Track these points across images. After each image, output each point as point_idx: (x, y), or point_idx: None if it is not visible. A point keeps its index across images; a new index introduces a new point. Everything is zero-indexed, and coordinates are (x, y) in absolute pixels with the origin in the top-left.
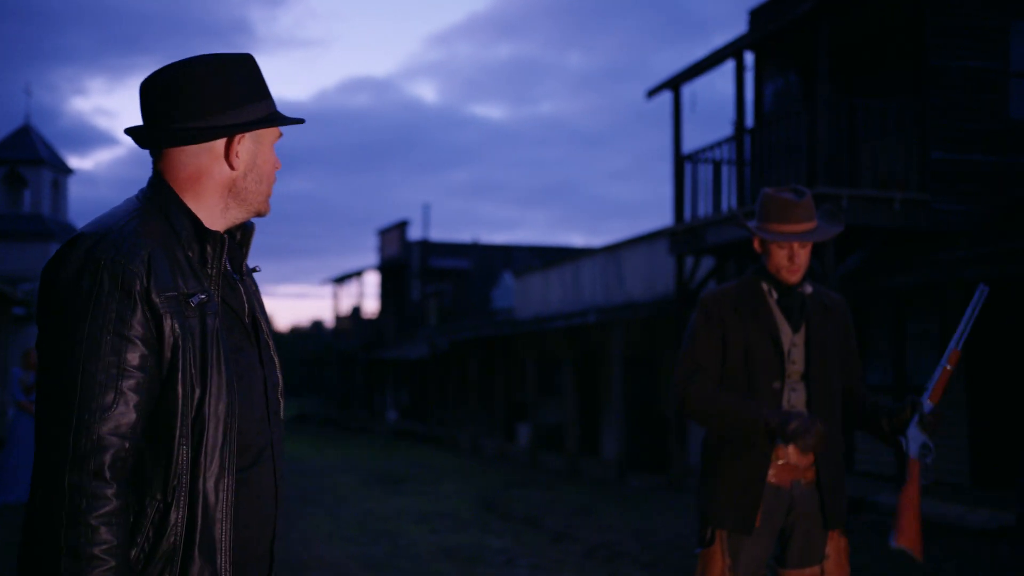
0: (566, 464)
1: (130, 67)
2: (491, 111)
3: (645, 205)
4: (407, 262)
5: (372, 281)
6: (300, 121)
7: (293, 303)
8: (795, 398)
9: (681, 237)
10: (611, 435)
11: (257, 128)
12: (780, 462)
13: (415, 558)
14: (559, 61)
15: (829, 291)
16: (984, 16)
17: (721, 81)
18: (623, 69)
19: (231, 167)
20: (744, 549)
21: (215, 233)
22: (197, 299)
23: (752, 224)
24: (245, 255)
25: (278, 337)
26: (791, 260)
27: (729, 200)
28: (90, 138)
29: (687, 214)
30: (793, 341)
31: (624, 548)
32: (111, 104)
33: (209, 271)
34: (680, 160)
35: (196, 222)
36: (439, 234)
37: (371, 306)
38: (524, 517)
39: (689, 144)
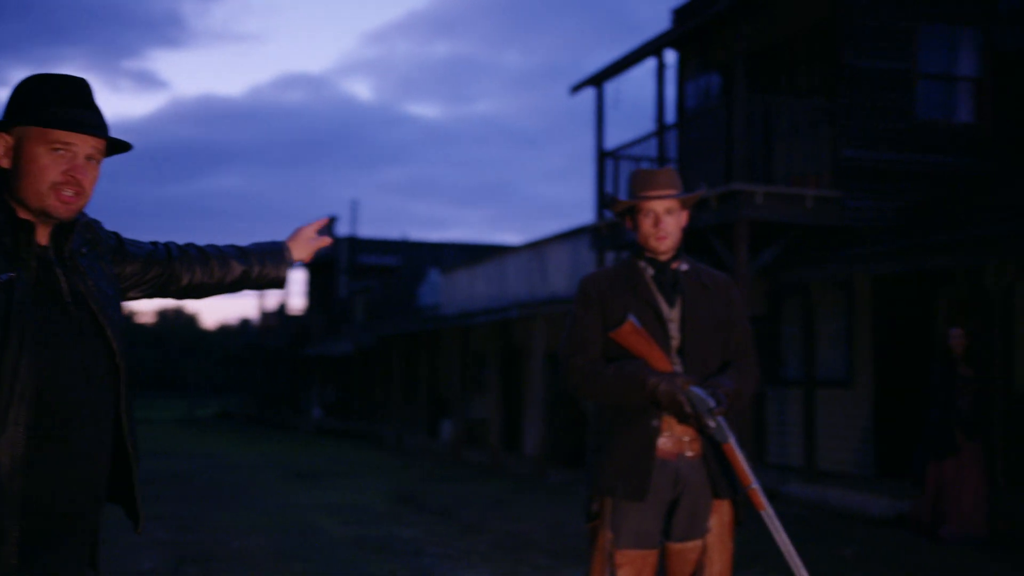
0: (488, 459)
1: (57, 58)
2: (427, 110)
3: (578, 204)
4: (335, 259)
5: (299, 278)
6: (79, 128)
7: (221, 300)
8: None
9: (603, 233)
10: (533, 430)
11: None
12: (665, 435)
13: (324, 548)
14: (496, 60)
15: (711, 269)
16: (894, 18)
17: (650, 80)
18: (560, 69)
19: (4, 165)
20: (628, 521)
21: (24, 222)
22: (5, 276)
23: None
24: (70, 243)
25: (205, 335)
26: (656, 226)
27: None
28: None
29: (608, 211)
30: (669, 316)
31: (533, 538)
32: None
33: (22, 255)
34: (602, 157)
35: (10, 213)
36: (371, 231)
37: (298, 303)
38: (438, 510)
39: (615, 141)
